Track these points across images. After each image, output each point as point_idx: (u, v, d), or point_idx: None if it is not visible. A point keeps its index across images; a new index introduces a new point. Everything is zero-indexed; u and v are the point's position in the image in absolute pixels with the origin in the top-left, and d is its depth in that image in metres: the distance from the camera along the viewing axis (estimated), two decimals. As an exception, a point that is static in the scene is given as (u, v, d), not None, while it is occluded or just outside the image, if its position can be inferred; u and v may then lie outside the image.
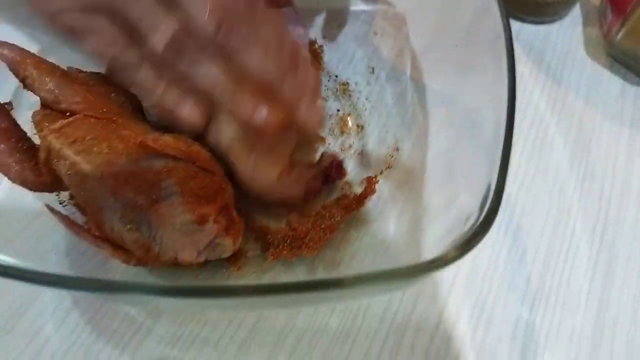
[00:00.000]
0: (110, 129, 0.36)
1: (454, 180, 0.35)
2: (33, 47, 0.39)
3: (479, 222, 0.26)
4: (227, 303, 0.28)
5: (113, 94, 0.39)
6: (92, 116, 0.36)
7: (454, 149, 0.40)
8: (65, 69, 0.40)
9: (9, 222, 0.42)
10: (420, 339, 0.37)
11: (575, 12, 0.60)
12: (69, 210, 0.42)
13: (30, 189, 0.39)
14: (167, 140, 0.38)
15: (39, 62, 0.37)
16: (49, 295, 0.40)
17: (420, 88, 0.50)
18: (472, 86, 0.45)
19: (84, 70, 0.40)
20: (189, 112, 0.38)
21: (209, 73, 0.36)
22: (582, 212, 0.45)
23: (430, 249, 0.27)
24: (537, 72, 0.54)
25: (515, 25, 0.59)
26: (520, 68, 0.55)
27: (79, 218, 0.42)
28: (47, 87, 0.36)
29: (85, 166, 0.35)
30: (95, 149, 0.35)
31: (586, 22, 0.59)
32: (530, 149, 0.50)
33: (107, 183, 0.35)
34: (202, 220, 0.37)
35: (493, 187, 0.27)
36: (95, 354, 0.37)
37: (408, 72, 0.52)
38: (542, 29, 0.59)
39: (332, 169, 0.44)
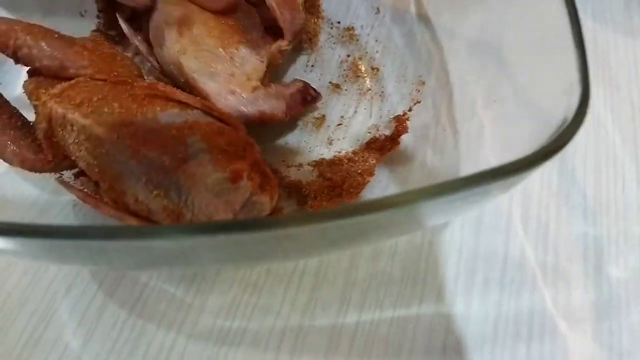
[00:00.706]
0: (121, 89, 0.32)
1: (511, 94, 0.32)
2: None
3: (570, 120, 0.23)
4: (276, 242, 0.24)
5: (118, 58, 0.34)
6: (104, 80, 0.32)
7: (489, 69, 0.38)
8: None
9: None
10: (492, 272, 0.34)
11: None
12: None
13: (31, 170, 0.34)
14: (179, 91, 0.34)
15: (30, 26, 0.33)
16: (79, 289, 0.35)
17: (428, 24, 0.47)
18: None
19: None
20: None
21: None
22: (618, 126, 0.43)
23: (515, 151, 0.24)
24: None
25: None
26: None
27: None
28: (49, 53, 0.32)
29: (98, 129, 0.31)
30: (105, 109, 0.31)
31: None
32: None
33: (125, 144, 0.31)
34: (235, 178, 0.33)
35: (578, 88, 0.24)
36: (146, 344, 0.33)
37: (413, 9, 0.49)
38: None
39: (307, 90, 0.42)
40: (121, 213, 0.33)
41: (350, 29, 0.49)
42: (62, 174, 0.37)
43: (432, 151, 0.39)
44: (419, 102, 0.42)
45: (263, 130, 0.42)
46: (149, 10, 0.40)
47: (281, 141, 0.42)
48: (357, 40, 0.48)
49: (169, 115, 0.32)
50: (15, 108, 0.35)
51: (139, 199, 0.32)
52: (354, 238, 0.27)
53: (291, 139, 0.42)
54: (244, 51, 0.39)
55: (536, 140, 0.24)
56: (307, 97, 0.42)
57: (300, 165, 0.40)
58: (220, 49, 0.38)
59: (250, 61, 0.39)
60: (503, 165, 0.21)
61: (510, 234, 0.36)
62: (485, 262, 0.35)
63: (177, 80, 0.38)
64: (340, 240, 0.27)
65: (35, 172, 0.34)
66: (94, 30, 0.44)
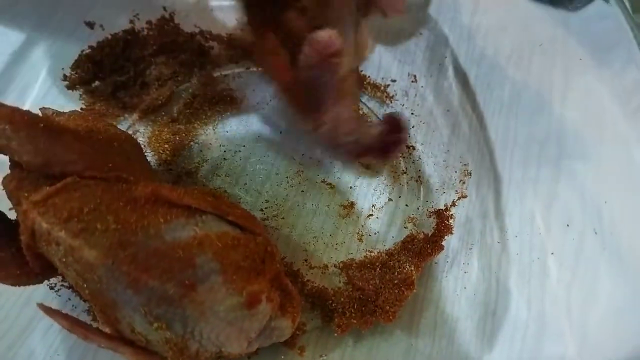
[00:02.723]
0: (116, 192, 0.27)
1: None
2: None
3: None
4: None
5: (115, 143, 0.29)
6: (93, 177, 0.26)
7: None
8: (40, 114, 0.30)
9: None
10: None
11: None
12: (64, 296, 0.33)
13: (14, 284, 0.29)
14: (187, 191, 0.29)
15: (12, 112, 0.27)
16: None
17: (473, 98, 0.42)
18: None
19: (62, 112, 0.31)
20: None
21: None
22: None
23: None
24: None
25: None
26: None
27: (81, 304, 0.32)
28: (30, 148, 0.26)
29: (89, 252, 0.25)
30: (98, 225, 0.25)
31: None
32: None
33: (121, 271, 0.25)
34: (253, 302, 0.27)
35: None
36: None
37: (454, 80, 0.43)
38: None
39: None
40: (114, 343, 0.27)
41: (381, 88, 0.43)
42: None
43: (478, 261, 0.34)
44: (465, 196, 0.36)
45: (284, 217, 0.37)
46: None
47: (301, 231, 0.36)
48: (390, 105, 0.42)
49: (175, 228, 0.26)
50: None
51: (136, 329, 0.27)
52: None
53: (313, 229, 0.36)
54: None
55: None
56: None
57: (326, 267, 0.35)
58: None
59: None
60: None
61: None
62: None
63: None
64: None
65: (19, 286, 0.29)
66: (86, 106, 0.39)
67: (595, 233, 0.33)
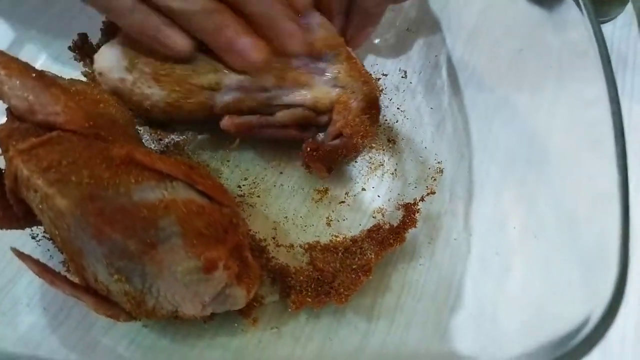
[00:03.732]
0: (96, 149, 0.29)
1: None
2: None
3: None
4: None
5: (101, 105, 0.31)
6: (73, 132, 0.28)
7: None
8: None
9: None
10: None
11: (628, 11, 0.53)
12: (44, 246, 0.35)
13: (-1, 227, 0.31)
14: (163, 158, 0.30)
15: (9, 60, 0.29)
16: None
17: (461, 99, 0.43)
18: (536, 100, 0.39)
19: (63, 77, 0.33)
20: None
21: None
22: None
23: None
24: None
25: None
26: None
27: (57, 255, 0.34)
28: (19, 92, 0.29)
29: (61, 201, 0.27)
30: (73, 177, 0.27)
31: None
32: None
33: (88, 222, 0.27)
34: (209, 267, 0.29)
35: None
36: None
37: (446, 80, 0.44)
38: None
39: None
40: (78, 292, 0.29)
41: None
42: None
43: (442, 257, 0.35)
44: (434, 192, 0.37)
45: (260, 196, 0.38)
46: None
47: (274, 211, 0.38)
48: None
49: (144, 189, 0.28)
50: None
51: (98, 279, 0.29)
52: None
53: (286, 210, 0.38)
54: None
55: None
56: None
57: (292, 246, 0.36)
58: None
59: None
60: None
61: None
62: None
63: None
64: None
65: (3, 228, 0.31)
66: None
67: (563, 244, 0.33)
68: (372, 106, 0.38)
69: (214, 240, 0.30)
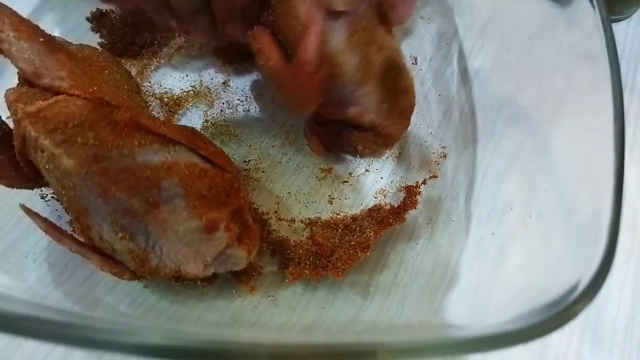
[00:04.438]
0: (101, 113, 0.29)
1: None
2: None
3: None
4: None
5: (107, 72, 0.32)
6: (79, 96, 0.29)
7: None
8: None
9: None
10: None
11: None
12: (53, 207, 0.36)
13: (9, 186, 0.32)
14: (167, 123, 0.31)
15: (20, 22, 0.30)
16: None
17: (469, 89, 0.43)
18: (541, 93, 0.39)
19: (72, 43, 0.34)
20: None
21: None
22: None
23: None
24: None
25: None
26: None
27: (65, 216, 0.35)
28: (26, 56, 0.30)
29: (67, 161, 0.28)
30: (79, 139, 0.28)
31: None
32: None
33: (93, 182, 0.28)
34: (210, 227, 0.30)
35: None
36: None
37: (455, 69, 0.45)
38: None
39: None
40: (84, 249, 0.30)
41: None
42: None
43: (440, 238, 0.35)
44: (436, 176, 0.37)
45: (265, 171, 0.39)
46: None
47: (278, 186, 0.39)
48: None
49: (147, 152, 0.29)
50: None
51: (103, 237, 0.30)
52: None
53: (290, 186, 0.39)
54: None
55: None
56: None
57: (293, 220, 0.37)
58: None
59: None
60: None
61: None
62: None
63: None
64: None
65: (14, 187, 0.32)
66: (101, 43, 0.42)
67: (563, 230, 0.33)
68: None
69: (216, 202, 0.30)
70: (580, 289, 0.21)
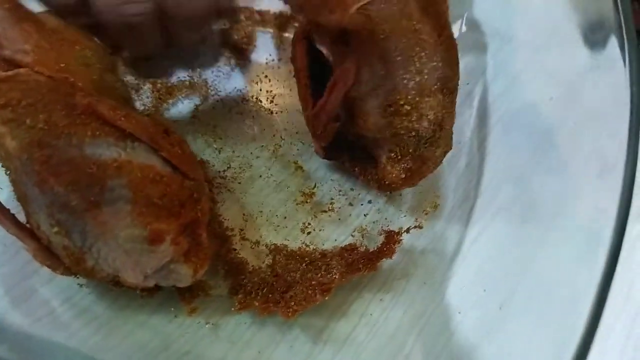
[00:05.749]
0: (61, 94, 0.27)
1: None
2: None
3: None
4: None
5: (77, 47, 0.29)
6: (42, 73, 0.27)
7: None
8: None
9: None
10: None
11: None
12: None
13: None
14: (133, 115, 0.28)
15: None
16: None
17: (483, 138, 0.39)
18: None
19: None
20: None
21: None
22: None
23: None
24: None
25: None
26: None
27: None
28: None
29: (10, 142, 0.26)
30: (28, 120, 0.26)
31: None
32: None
33: (33, 169, 0.26)
34: (155, 239, 0.27)
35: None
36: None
37: (474, 112, 0.41)
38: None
39: None
40: (21, 233, 0.28)
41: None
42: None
43: (412, 298, 0.32)
44: (421, 227, 0.34)
45: (241, 183, 0.36)
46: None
47: (252, 202, 0.35)
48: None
49: (99, 145, 0.26)
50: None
51: (40, 227, 0.27)
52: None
53: (264, 205, 0.35)
54: None
55: None
56: None
57: (257, 243, 0.34)
58: None
59: None
60: None
61: None
62: None
63: None
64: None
65: None
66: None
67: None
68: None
69: (166, 212, 0.28)
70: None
